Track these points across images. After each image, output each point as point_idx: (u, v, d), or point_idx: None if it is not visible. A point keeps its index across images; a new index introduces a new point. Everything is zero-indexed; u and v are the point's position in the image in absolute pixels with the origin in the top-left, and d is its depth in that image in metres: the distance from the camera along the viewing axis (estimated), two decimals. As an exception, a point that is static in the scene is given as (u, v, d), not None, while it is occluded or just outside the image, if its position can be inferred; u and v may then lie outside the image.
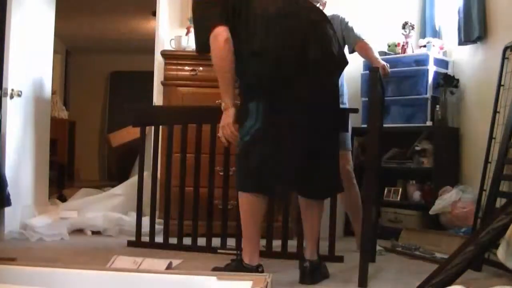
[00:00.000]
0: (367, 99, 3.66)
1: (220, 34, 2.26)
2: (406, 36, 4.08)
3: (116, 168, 6.96)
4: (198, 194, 3.13)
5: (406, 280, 2.59)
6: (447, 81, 3.81)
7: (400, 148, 3.95)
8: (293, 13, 2.34)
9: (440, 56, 3.97)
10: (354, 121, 3.58)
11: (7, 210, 3.30)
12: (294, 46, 2.29)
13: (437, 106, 3.78)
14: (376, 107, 2.54)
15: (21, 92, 3.40)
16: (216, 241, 3.14)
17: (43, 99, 3.85)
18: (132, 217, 3.71)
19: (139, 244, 3.26)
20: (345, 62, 2.51)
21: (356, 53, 3.39)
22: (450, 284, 2.03)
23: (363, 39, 3.28)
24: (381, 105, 3.04)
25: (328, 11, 3.15)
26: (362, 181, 3.12)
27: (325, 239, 3.81)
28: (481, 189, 3.21)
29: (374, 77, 2.52)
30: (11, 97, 3.34)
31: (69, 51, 8.74)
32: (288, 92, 2.31)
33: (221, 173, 3.10)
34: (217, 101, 3.15)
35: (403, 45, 4.06)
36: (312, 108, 2.35)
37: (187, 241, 3.21)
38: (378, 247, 3.18)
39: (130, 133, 5.33)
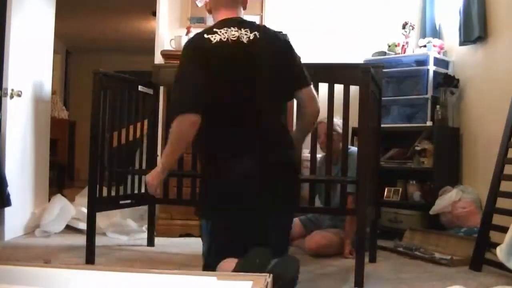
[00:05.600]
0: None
1: None
2: (406, 36, 4.09)
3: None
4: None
5: (406, 280, 2.59)
6: (447, 81, 3.81)
7: (400, 148, 3.95)
8: None
9: (440, 56, 3.97)
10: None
11: (7, 210, 3.30)
12: None
13: (437, 106, 3.78)
14: (367, 107, 2.55)
15: (21, 92, 3.40)
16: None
17: (43, 99, 3.85)
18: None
19: (167, 200, 3.27)
20: None
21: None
22: None
23: None
24: (378, 106, 3.04)
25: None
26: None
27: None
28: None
29: (366, 77, 2.53)
30: (11, 97, 3.34)
31: (69, 51, 8.75)
32: None
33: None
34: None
35: (403, 45, 4.06)
36: None
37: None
38: None
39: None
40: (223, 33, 2.10)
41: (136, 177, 3.23)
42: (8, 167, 3.31)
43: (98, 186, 2.84)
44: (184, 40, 3.95)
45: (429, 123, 3.79)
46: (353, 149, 3.08)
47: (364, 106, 2.54)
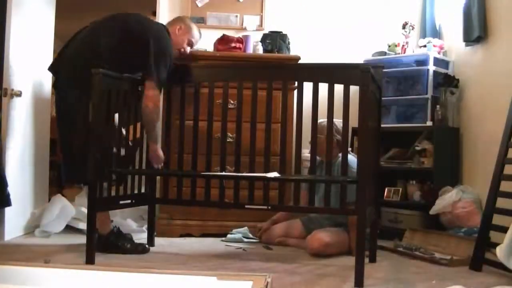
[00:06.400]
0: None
1: None
2: (406, 36, 4.09)
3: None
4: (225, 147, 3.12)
5: (406, 280, 2.59)
6: (447, 81, 3.82)
7: (400, 148, 3.95)
8: None
9: (440, 56, 3.97)
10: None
11: (7, 210, 3.30)
12: None
13: (437, 106, 3.78)
14: (367, 107, 2.55)
15: (21, 92, 3.40)
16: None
17: (43, 99, 3.84)
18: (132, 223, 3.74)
19: (167, 200, 3.31)
20: None
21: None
22: None
23: None
24: (378, 106, 3.04)
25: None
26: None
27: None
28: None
29: (366, 77, 2.53)
30: (11, 97, 3.34)
31: (69, 51, 8.74)
32: None
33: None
34: (217, 101, 3.20)
35: (403, 45, 4.07)
36: None
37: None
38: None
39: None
40: None
41: (136, 177, 3.23)
42: (8, 167, 3.31)
43: (98, 186, 2.84)
44: (184, 40, 3.94)
45: (429, 123, 3.79)
46: (351, 158, 2.95)
47: (364, 106, 2.54)
